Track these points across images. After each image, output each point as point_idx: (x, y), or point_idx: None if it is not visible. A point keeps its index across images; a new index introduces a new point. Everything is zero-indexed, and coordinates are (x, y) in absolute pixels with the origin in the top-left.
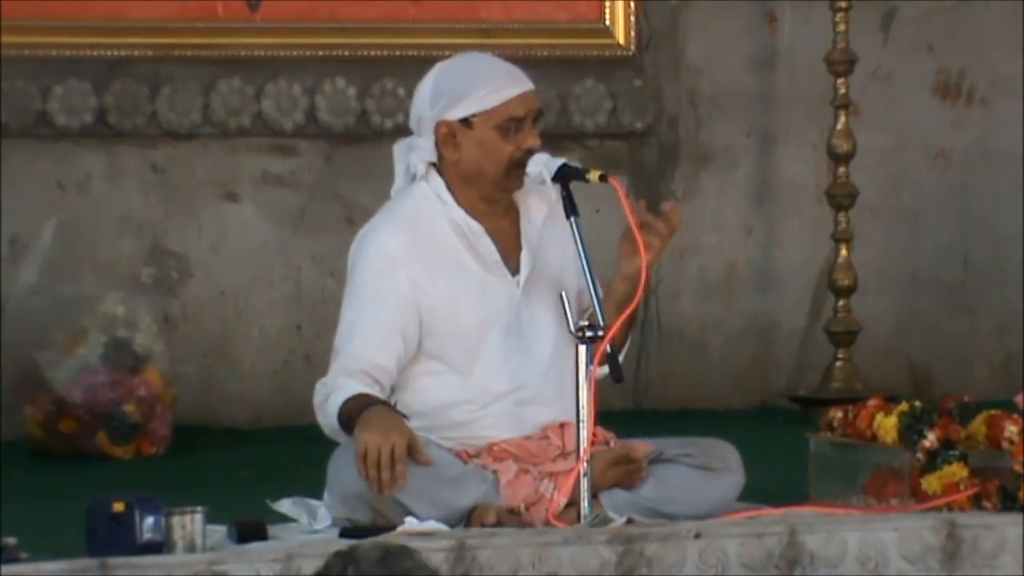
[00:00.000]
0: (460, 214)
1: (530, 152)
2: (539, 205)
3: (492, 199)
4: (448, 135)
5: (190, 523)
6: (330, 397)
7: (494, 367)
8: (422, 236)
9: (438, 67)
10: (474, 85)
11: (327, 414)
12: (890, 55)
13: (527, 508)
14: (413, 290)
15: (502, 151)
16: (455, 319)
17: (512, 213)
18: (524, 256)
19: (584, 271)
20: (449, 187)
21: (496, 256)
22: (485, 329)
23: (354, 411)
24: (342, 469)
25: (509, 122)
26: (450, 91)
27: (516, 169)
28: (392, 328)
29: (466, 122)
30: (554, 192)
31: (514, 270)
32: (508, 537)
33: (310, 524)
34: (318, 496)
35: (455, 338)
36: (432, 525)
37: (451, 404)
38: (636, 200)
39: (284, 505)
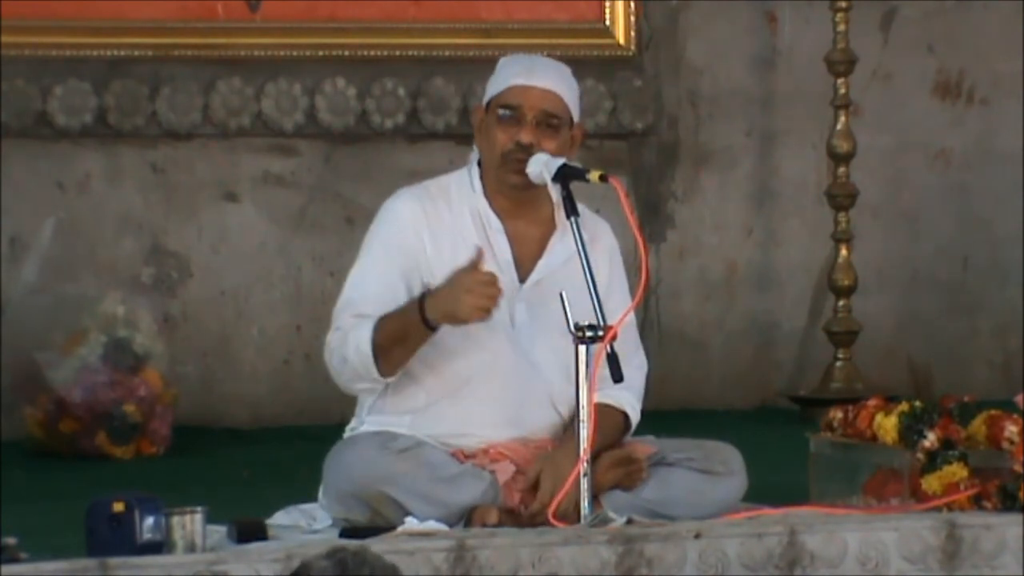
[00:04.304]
0: (484, 205)
1: (522, 147)
2: (589, 237)
3: (507, 196)
4: (479, 121)
5: (190, 523)
6: (349, 335)
7: (479, 357)
8: (440, 211)
9: None
10: (498, 72)
11: (354, 349)
12: (890, 55)
13: (526, 508)
14: (419, 254)
15: (495, 139)
16: None
17: (546, 227)
18: (540, 264)
19: (584, 271)
20: (482, 177)
21: (508, 256)
22: None
23: (396, 317)
24: (338, 469)
25: (504, 109)
26: (490, 79)
27: (509, 162)
28: (397, 286)
29: (487, 108)
30: (555, 192)
31: (523, 276)
32: (508, 537)
33: (309, 525)
34: (314, 498)
35: None
36: (432, 525)
37: (435, 390)
38: (636, 200)
39: (278, 518)
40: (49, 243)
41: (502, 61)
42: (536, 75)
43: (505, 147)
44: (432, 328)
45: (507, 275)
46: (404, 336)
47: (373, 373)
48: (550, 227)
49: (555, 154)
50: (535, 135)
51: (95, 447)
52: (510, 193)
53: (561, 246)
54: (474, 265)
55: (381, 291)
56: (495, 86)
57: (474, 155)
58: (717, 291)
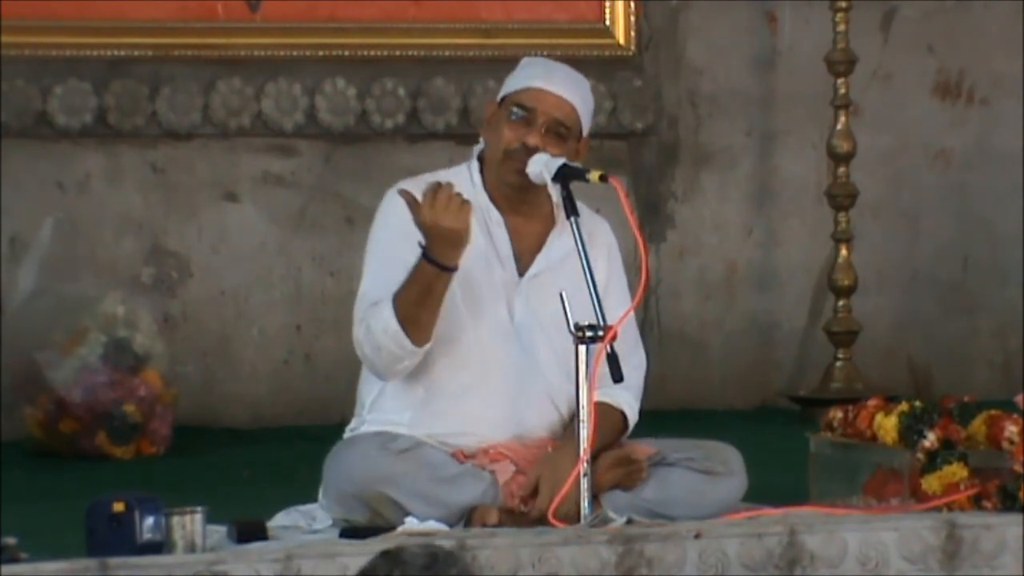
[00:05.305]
0: (484, 199)
1: (527, 149)
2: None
3: (506, 193)
4: (490, 115)
5: (190, 523)
6: (371, 323)
7: (479, 354)
8: None
9: None
10: (518, 71)
11: (381, 331)
12: (890, 55)
13: (526, 507)
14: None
15: (502, 136)
16: (452, 284)
17: (546, 222)
18: (539, 258)
19: (584, 271)
20: (482, 171)
21: (508, 249)
22: (476, 307)
23: (410, 283)
24: (338, 469)
25: (517, 108)
26: (509, 76)
27: (510, 161)
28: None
29: (501, 104)
30: (555, 192)
31: (522, 270)
32: (508, 537)
33: (309, 525)
34: (314, 498)
35: (445, 306)
36: (432, 525)
37: (434, 388)
38: (636, 200)
39: (279, 519)
40: (48, 244)
41: (525, 60)
42: (555, 82)
43: (510, 146)
44: (449, 268)
45: (507, 268)
46: (426, 294)
47: (408, 346)
48: (550, 223)
49: None
50: (542, 140)
51: (95, 447)
52: (508, 190)
53: (560, 242)
54: (416, 199)
55: (397, 277)
56: (513, 84)
57: (476, 149)
58: (717, 291)
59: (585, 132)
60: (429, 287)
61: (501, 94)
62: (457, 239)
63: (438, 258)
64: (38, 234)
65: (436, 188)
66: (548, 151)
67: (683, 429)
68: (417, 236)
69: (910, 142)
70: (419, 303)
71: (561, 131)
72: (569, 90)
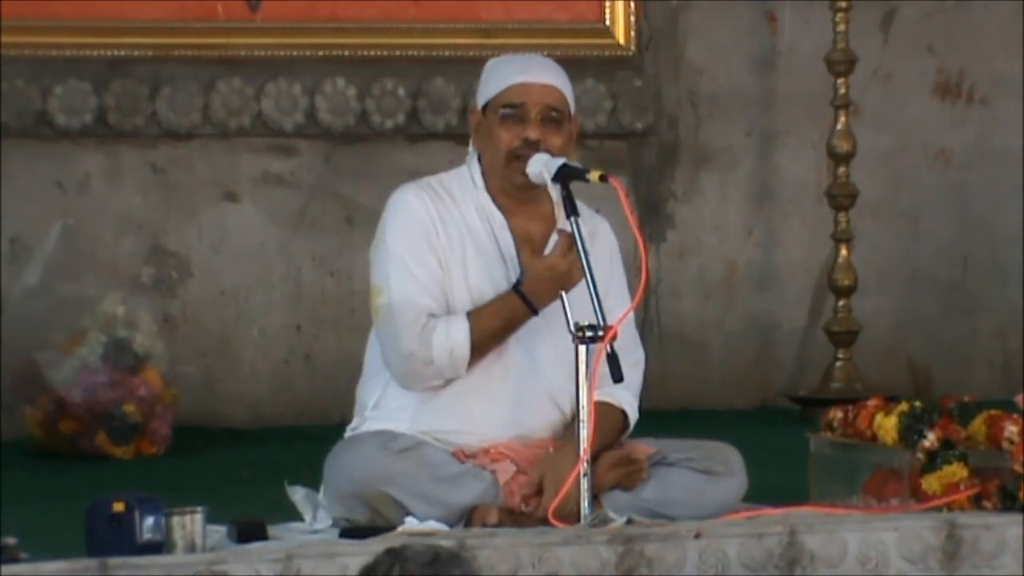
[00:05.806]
0: (487, 201)
1: (529, 144)
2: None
3: (509, 194)
4: (477, 124)
5: (190, 523)
6: (435, 338)
7: None
8: (445, 205)
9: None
10: (491, 74)
11: (447, 352)
12: (890, 55)
13: (527, 506)
14: (435, 240)
15: (500, 139)
16: (460, 284)
17: (547, 223)
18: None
19: (584, 271)
20: (483, 174)
21: (512, 251)
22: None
23: (494, 315)
24: (338, 469)
25: (507, 108)
26: (481, 82)
27: (515, 161)
28: (436, 271)
29: (484, 110)
30: (555, 192)
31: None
32: (508, 537)
33: (310, 524)
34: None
35: (452, 305)
36: (432, 525)
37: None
38: (636, 200)
39: (298, 493)
40: (54, 248)
41: (492, 63)
42: (534, 72)
43: (511, 145)
44: (538, 311)
45: (511, 270)
46: (508, 330)
47: (462, 372)
48: (551, 223)
49: (560, 148)
50: (540, 131)
51: (95, 447)
52: (513, 191)
53: None
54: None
55: (427, 281)
56: (492, 87)
57: (472, 154)
58: (717, 291)
59: (573, 111)
60: (513, 325)
61: (482, 102)
62: (568, 288)
63: (536, 302)
64: (46, 238)
65: (571, 239)
66: (549, 140)
67: (683, 429)
68: (432, 235)
69: (910, 142)
70: (495, 337)
71: (555, 116)
72: (549, 76)
